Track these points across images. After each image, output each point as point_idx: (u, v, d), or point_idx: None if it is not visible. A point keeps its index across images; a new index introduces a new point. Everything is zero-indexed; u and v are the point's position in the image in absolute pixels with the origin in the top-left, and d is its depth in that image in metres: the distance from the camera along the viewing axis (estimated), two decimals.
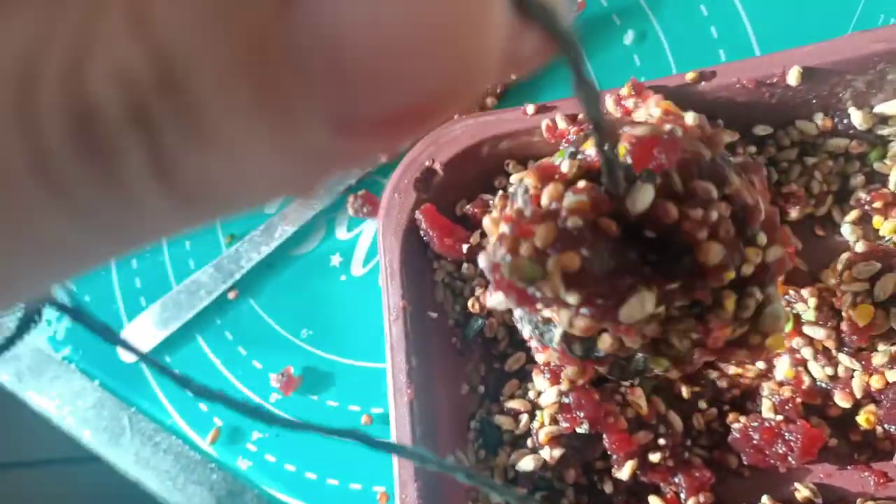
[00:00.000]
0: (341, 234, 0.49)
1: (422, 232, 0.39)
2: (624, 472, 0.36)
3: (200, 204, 0.10)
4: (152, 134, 0.09)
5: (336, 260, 0.49)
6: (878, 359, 0.33)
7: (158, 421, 0.50)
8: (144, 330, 0.51)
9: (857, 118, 0.35)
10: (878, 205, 0.35)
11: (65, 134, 0.09)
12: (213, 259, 0.50)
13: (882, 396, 0.33)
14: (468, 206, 0.39)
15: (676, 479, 0.36)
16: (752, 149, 0.36)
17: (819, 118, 0.36)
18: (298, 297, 0.49)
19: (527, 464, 0.36)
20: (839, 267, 0.33)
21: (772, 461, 0.35)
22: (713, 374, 0.37)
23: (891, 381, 0.32)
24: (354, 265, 0.48)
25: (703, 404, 0.37)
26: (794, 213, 0.36)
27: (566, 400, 0.35)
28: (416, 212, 0.38)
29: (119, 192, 0.09)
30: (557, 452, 0.36)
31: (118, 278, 0.53)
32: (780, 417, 0.34)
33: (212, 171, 0.10)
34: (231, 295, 0.50)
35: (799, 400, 0.34)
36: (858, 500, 0.34)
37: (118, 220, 0.10)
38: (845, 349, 0.34)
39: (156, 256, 0.52)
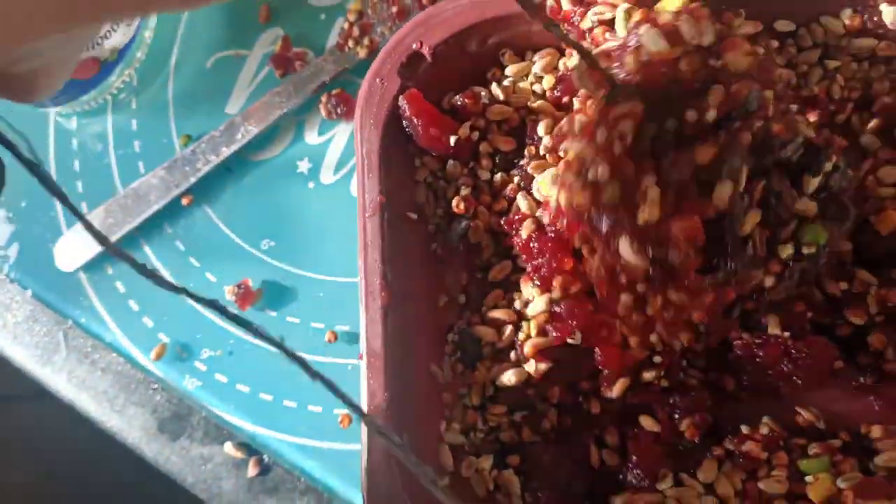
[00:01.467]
0: (311, 138, 0.44)
1: (405, 122, 0.34)
2: (615, 391, 0.32)
3: None
4: None
5: (304, 166, 0.44)
6: None
7: (97, 336, 0.45)
8: (84, 238, 0.46)
9: (888, 15, 0.32)
10: None
11: None
12: (165, 161, 0.45)
13: None
14: (458, 97, 0.35)
15: (671, 400, 0.33)
16: (774, 43, 0.33)
17: (847, 15, 0.33)
18: (260, 206, 0.44)
19: (508, 378, 0.33)
20: None
21: (775, 382, 0.32)
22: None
23: None
24: (324, 172, 0.44)
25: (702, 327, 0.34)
26: (812, 118, 0.33)
27: (557, 309, 0.32)
28: (400, 98, 0.34)
29: None
30: (543, 366, 0.32)
31: (57, 180, 0.47)
32: (787, 334, 0.32)
33: None
34: (184, 201, 0.45)
35: (809, 315, 0.32)
36: (863, 426, 0.32)
37: None
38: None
39: (100, 158, 0.47)
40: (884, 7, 0.32)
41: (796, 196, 0.26)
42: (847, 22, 0.33)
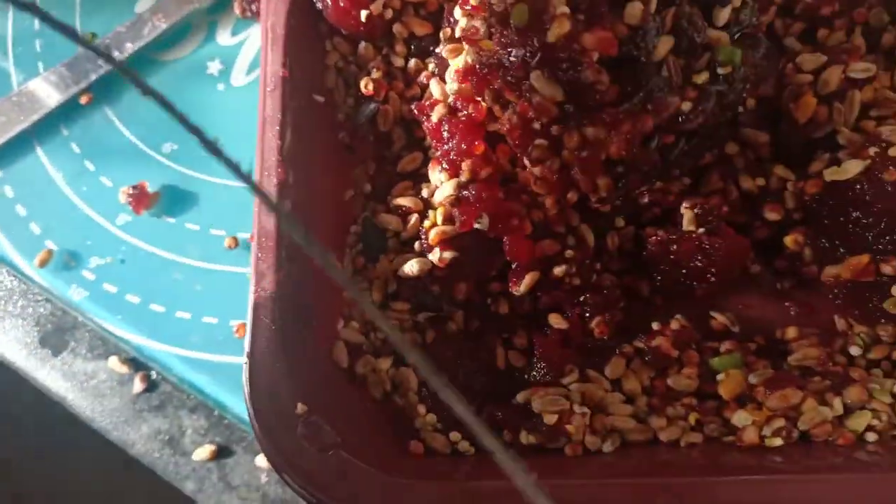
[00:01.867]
0: (224, 38, 0.42)
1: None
2: (523, 286, 0.30)
3: None
4: None
5: (215, 67, 0.41)
6: (815, 166, 0.30)
7: None
8: None
9: None
10: None
11: None
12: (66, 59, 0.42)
13: (815, 207, 0.30)
14: None
15: (582, 299, 0.31)
16: None
17: None
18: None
19: (411, 267, 0.31)
20: None
21: (689, 284, 0.31)
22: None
23: (828, 180, 0.29)
24: (236, 74, 0.41)
25: (620, 221, 0.32)
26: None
27: (465, 193, 0.30)
28: None
29: None
30: (448, 255, 0.30)
31: None
32: (701, 230, 0.30)
33: None
34: (83, 100, 0.42)
35: (725, 209, 0.30)
36: (778, 331, 0.31)
37: None
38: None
39: None
40: None
41: (706, 26, 0.25)
42: None
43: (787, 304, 0.31)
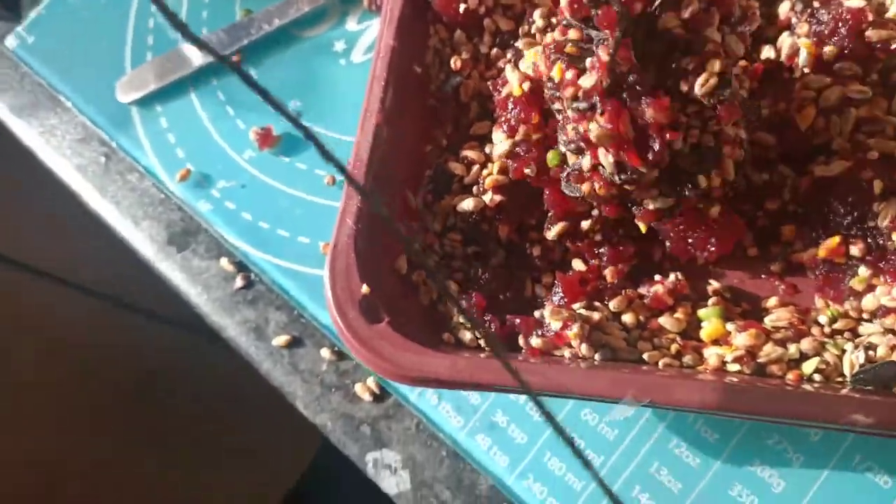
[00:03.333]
0: (351, 25, 0.52)
1: None
2: (553, 231, 0.38)
3: None
4: None
5: (340, 46, 0.51)
6: (812, 166, 0.36)
7: (135, 159, 0.52)
8: (143, 77, 0.53)
9: None
10: None
11: None
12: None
13: (806, 199, 0.36)
14: None
15: (600, 251, 0.38)
16: None
17: None
18: (297, 73, 0.51)
19: (467, 204, 0.38)
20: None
21: (693, 249, 0.37)
22: None
23: (818, 176, 0.35)
24: (356, 52, 0.51)
25: None
26: None
27: (518, 150, 0.38)
28: None
29: None
30: (499, 198, 0.38)
31: (133, 28, 0.55)
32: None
33: None
34: (234, 59, 0.52)
35: (731, 194, 0.37)
36: (763, 299, 0.36)
37: None
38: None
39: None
40: None
41: None
42: None
43: (776, 283, 0.37)
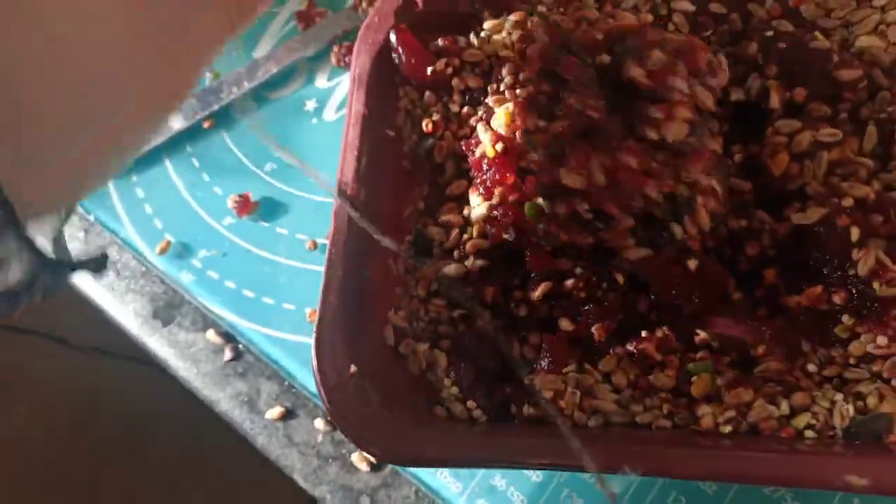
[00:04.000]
0: (321, 82, 0.51)
1: (394, 53, 0.41)
2: (538, 292, 0.37)
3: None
4: None
5: (311, 105, 0.51)
6: (788, 212, 0.36)
7: (113, 231, 0.51)
8: None
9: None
10: None
11: None
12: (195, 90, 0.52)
13: (785, 246, 0.36)
14: (440, 40, 0.42)
15: (586, 308, 0.38)
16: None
17: (769, 3, 0.39)
18: (270, 134, 0.51)
19: (450, 270, 0.38)
20: None
21: (677, 301, 0.37)
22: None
23: (795, 223, 0.35)
24: (328, 111, 0.51)
25: None
26: None
27: (496, 213, 0.38)
28: (392, 32, 0.41)
29: None
30: (480, 262, 0.38)
31: None
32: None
33: None
34: (206, 125, 0.52)
35: (711, 242, 0.37)
36: (752, 349, 0.36)
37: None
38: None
39: None
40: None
41: None
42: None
43: (762, 328, 0.37)
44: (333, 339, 0.36)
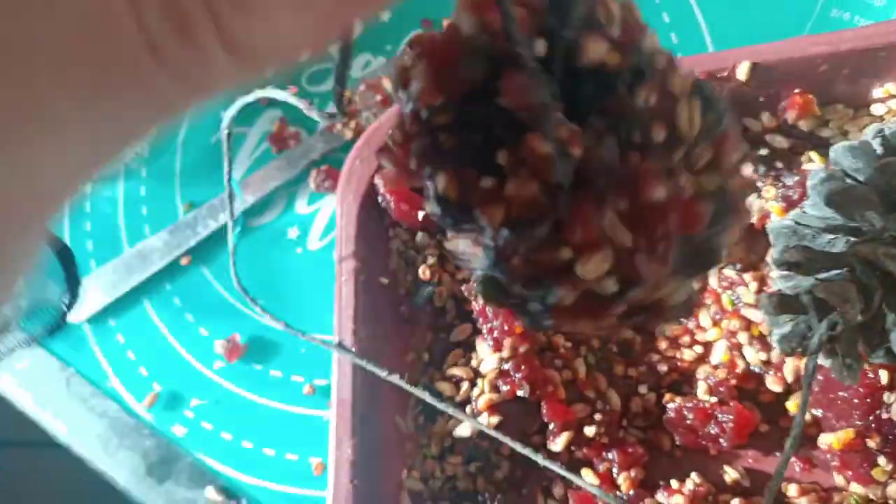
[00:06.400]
0: (301, 208, 0.49)
1: (380, 198, 0.39)
2: (558, 444, 0.36)
3: (251, 61, 0.13)
4: (212, 7, 0.12)
5: (293, 233, 0.49)
6: None
7: (96, 384, 0.48)
8: (91, 292, 0.50)
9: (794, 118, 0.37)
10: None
11: (162, 16, 0.11)
12: (169, 225, 0.50)
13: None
14: None
15: (609, 456, 0.36)
16: None
17: (766, 117, 0.38)
18: (252, 267, 0.48)
19: (464, 430, 0.36)
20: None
21: (704, 442, 0.35)
22: (654, 358, 0.38)
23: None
24: (311, 239, 0.48)
25: (643, 389, 0.37)
26: None
27: (507, 366, 0.36)
28: (376, 177, 0.39)
29: (199, 54, 0.12)
30: (495, 419, 0.36)
31: (70, 239, 0.52)
32: (714, 399, 0.35)
33: (256, 32, 0.12)
34: (184, 261, 0.49)
35: (733, 382, 0.35)
36: (783, 484, 0.35)
37: (199, 77, 0.13)
38: None
39: (111, 219, 0.52)
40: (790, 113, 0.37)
41: None
42: (766, 122, 0.38)
43: (792, 459, 0.36)
44: None
